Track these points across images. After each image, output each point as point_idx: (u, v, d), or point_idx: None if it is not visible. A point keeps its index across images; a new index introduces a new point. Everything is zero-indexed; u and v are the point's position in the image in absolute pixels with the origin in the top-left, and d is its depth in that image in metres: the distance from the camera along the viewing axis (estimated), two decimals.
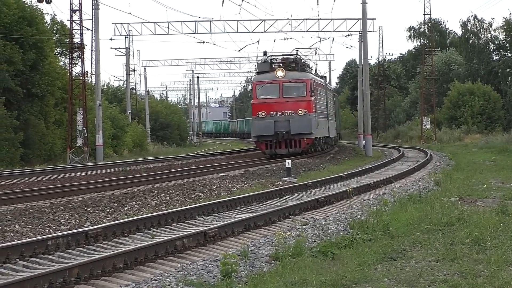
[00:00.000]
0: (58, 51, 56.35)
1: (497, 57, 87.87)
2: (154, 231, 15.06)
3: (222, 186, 26.05)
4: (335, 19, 60.00)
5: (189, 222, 16.54)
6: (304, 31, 59.93)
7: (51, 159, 48.44)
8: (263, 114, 42.48)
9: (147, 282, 10.71)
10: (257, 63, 48.40)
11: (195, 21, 59.65)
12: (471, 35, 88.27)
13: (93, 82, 51.76)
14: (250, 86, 44.08)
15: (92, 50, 49.55)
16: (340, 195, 21.69)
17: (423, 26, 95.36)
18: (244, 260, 11.89)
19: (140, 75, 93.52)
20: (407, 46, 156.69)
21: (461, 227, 14.00)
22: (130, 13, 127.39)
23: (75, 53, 49.42)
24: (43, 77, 48.47)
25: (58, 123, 51.83)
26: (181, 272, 11.27)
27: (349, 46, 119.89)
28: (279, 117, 42.44)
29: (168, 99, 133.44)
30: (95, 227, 14.36)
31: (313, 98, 43.69)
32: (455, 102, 79.88)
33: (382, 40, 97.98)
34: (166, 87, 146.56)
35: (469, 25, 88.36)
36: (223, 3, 50.49)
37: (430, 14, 78.76)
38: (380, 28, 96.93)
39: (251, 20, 59.16)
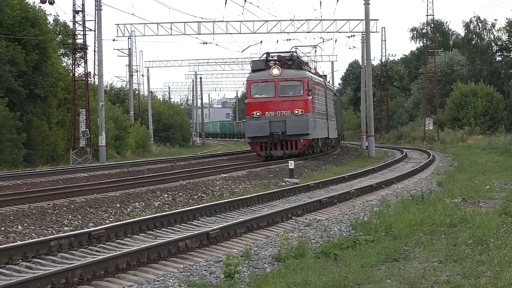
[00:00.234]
0: (61, 52, 56.37)
1: (499, 58, 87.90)
2: (157, 232, 15.06)
3: (225, 187, 26.06)
4: (338, 20, 60.03)
5: (192, 223, 16.54)
6: (307, 32, 59.91)
7: (54, 160, 48.47)
8: (257, 114, 41.01)
9: (149, 283, 10.71)
10: (252, 60, 46.34)
11: (198, 21, 59.72)
12: (474, 36, 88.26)
13: (96, 83, 51.79)
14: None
15: (95, 51, 49.78)
16: (342, 196, 21.67)
17: (426, 27, 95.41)
18: (247, 261, 11.89)
19: (143, 75, 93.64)
20: (410, 47, 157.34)
21: (464, 228, 13.99)
22: (133, 14, 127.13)
23: (78, 54, 49.44)
24: (46, 78, 48.50)
25: (61, 124, 51.87)
26: (184, 273, 11.28)
27: (352, 47, 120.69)
28: (274, 117, 40.93)
29: (171, 100, 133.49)
30: (98, 228, 14.36)
31: (310, 97, 42.22)
32: (458, 103, 79.84)
33: (385, 41, 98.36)
34: (169, 88, 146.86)
35: (472, 26, 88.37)
36: (226, 4, 50.64)
37: (433, 15, 78.94)
38: (383, 29, 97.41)
39: (254, 21, 59.21)
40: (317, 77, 48.81)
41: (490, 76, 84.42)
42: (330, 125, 51.40)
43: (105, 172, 34.49)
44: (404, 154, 49.30)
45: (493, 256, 11.14)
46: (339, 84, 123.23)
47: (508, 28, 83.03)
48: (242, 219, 15.96)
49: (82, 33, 48.59)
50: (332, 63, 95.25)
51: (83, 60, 49.54)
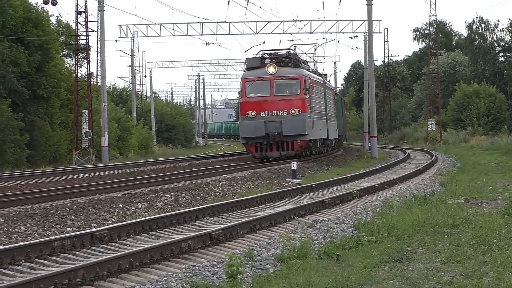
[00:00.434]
0: (64, 52, 56.42)
1: (502, 59, 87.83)
2: (159, 232, 15.07)
3: (228, 188, 26.06)
4: (340, 20, 60.10)
5: (195, 223, 16.54)
6: (310, 33, 59.92)
7: (56, 161, 48.51)
8: (252, 113, 39.18)
9: (152, 284, 10.72)
10: (247, 58, 43.65)
11: (200, 22, 59.76)
12: (477, 37, 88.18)
13: (99, 84, 51.82)
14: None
15: (97, 52, 49.64)
16: (345, 196, 21.67)
17: (428, 28, 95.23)
18: (250, 262, 11.90)
19: (145, 76, 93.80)
20: (413, 47, 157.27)
21: (467, 228, 13.99)
22: (136, 15, 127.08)
23: (81, 55, 49.46)
24: (48, 78, 48.56)
25: (64, 125, 51.91)
26: (187, 274, 11.28)
27: (355, 48, 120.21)
28: (270, 117, 39.14)
29: (174, 100, 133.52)
30: (101, 228, 14.37)
31: (307, 96, 40.37)
32: (460, 104, 79.83)
33: (388, 41, 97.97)
34: (172, 88, 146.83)
35: (474, 26, 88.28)
36: (228, 4, 50.64)
37: (436, 16, 78.97)
38: (386, 29, 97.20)
39: (256, 21, 59.24)
40: (315, 76, 47.02)
41: (493, 77, 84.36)
42: (329, 125, 49.65)
43: (108, 172, 34.51)
44: (406, 154, 49.27)
45: (496, 256, 11.13)
46: (341, 84, 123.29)
47: (511, 28, 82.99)
48: (244, 220, 15.96)
49: (84, 33, 48.68)
50: (335, 63, 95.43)
51: (85, 61, 49.58)
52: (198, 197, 23.17)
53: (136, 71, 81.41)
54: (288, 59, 41.10)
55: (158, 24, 59.90)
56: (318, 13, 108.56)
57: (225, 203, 19.40)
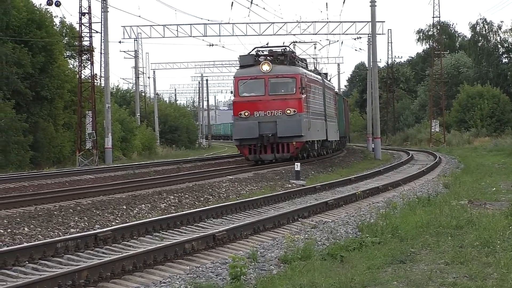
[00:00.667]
0: (67, 54, 56.50)
1: (506, 60, 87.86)
2: (163, 233, 15.07)
3: (231, 189, 26.05)
4: (344, 21, 60.19)
5: (198, 225, 16.54)
6: (313, 34, 60.03)
7: (60, 162, 48.55)
8: (246, 114, 37.36)
9: (156, 285, 10.72)
10: (240, 55, 41.01)
11: (204, 24, 59.91)
12: (480, 38, 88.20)
13: (102, 85, 51.87)
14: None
15: (101, 53, 49.72)
16: (349, 198, 21.66)
17: (432, 29, 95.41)
18: (253, 263, 11.89)
19: (149, 78, 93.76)
20: (416, 49, 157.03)
21: (470, 230, 13.97)
22: (139, 16, 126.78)
23: (84, 56, 49.51)
24: (52, 80, 48.62)
25: (67, 126, 51.98)
26: (190, 275, 11.28)
27: (358, 49, 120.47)
28: (264, 117, 37.32)
29: (177, 101, 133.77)
30: (104, 229, 14.38)
31: (304, 95, 38.45)
32: (464, 105, 79.81)
33: (391, 42, 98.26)
34: (175, 90, 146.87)
35: (478, 28, 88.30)
36: (232, 5, 50.59)
37: (439, 17, 78.79)
38: (389, 30, 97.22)
39: (260, 23, 59.29)
40: (313, 74, 44.85)
41: (497, 78, 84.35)
42: (329, 126, 47.81)
43: (111, 174, 34.54)
44: (410, 156, 49.24)
45: (500, 258, 11.12)
46: (345, 86, 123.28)
47: None
48: (248, 221, 15.96)
49: (88, 35, 48.71)
50: (338, 65, 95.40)
51: (89, 62, 49.59)
52: (202, 199, 23.16)
53: (139, 72, 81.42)
54: (284, 57, 39.29)
55: (162, 25, 60.02)
56: (322, 15, 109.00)
57: (228, 204, 19.39)
